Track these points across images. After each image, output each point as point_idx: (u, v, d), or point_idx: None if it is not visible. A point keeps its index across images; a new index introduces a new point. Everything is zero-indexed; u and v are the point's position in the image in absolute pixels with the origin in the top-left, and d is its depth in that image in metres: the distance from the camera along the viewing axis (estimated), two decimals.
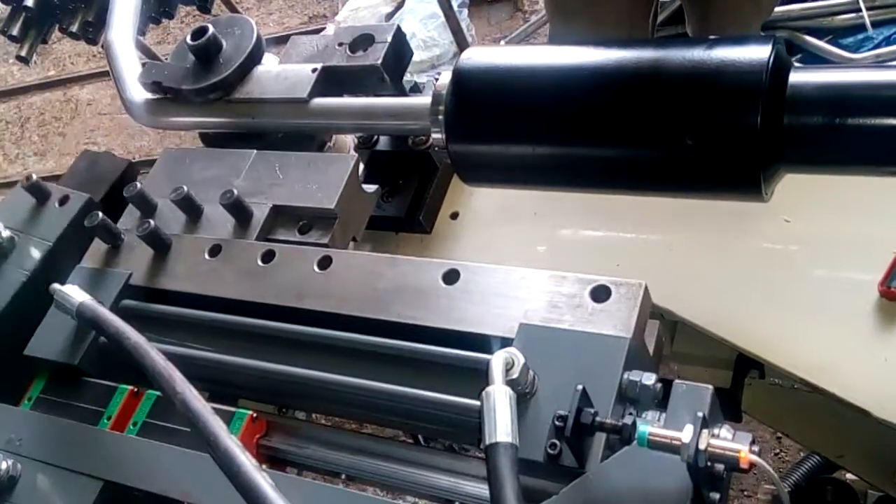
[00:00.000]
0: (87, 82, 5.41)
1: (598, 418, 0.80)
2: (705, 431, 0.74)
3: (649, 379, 0.84)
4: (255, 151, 1.29)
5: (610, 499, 0.79)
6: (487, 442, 0.78)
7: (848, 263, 1.09)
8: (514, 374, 0.83)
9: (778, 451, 2.77)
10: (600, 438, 0.85)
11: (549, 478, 0.85)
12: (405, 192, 1.33)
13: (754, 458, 0.73)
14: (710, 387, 0.81)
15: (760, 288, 1.11)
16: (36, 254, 1.25)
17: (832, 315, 1.06)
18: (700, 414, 0.75)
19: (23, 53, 2.22)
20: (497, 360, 0.83)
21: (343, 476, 0.97)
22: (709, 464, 0.75)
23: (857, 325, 1.04)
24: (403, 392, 0.95)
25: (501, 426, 0.78)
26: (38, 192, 1.32)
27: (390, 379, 0.97)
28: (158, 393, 1.07)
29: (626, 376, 0.85)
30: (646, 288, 0.92)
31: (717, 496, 0.78)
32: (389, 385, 0.97)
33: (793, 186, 1.16)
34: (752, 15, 2.48)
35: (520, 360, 0.84)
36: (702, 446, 0.73)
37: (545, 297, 0.95)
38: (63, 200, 1.32)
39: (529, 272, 0.99)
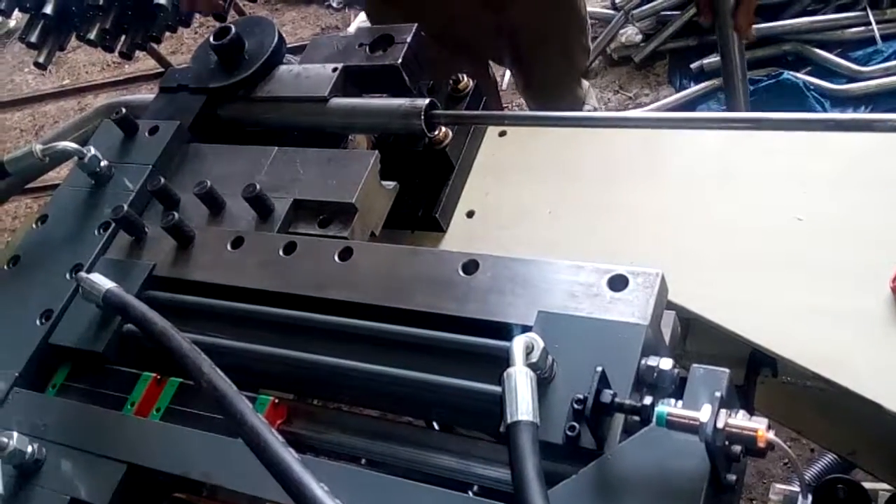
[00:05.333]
0: (102, 91, 5.44)
1: (617, 399, 0.81)
2: (723, 411, 0.75)
3: (667, 364, 0.86)
4: (277, 148, 1.31)
5: (628, 479, 0.80)
6: (509, 420, 0.80)
7: (860, 260, 1.10)
8: (534, 359, 0.85)
9: (787, 460, 2.78)
10: (618, 423, 0.87)
11: (568, 461, 0.86)
12: (421, 191, 1.35)
13: (771, 437, 0.75)
14: (727, 370, 0.82)
15: (773, 284, 1.12)
16: (138, 177, 1.34)
17: (845, 311, 1.07)
18: (718, 394, 0.77)
19: (41, 60, 2.25)
20: (518, 344, 0.85)
21: (363, 461, 0.98)
22: (726, 443, 0.77)
23: (869, 320, 1.05)
24: (424, 378, 0.97)
25: (523, 405, 0.80)
26: (126, 125, 1.41)
27: (410, 366, 0.99)
28: (181, 380, 1.10)
29: (643, 362, 0.87)
30: (662, 277, 0.94)
31: (733, 478, 0.80)
32: (410, 372, 0.98)
33: (804, 184, 1.18)
34: (566, 73, 2.63)
35: (539, 344, 0.86)
36: (719, 425, 0.75)
37: (563, 286, 0.97)
38: (153, 130, 1.40)
39: (547, 262, 1.00)
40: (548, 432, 0.84)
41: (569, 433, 0.84)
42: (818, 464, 2.24)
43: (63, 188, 1.40)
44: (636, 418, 0.84)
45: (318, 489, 0.78)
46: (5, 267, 1.31)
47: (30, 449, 1.04)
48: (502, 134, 1.43)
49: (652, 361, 0.87)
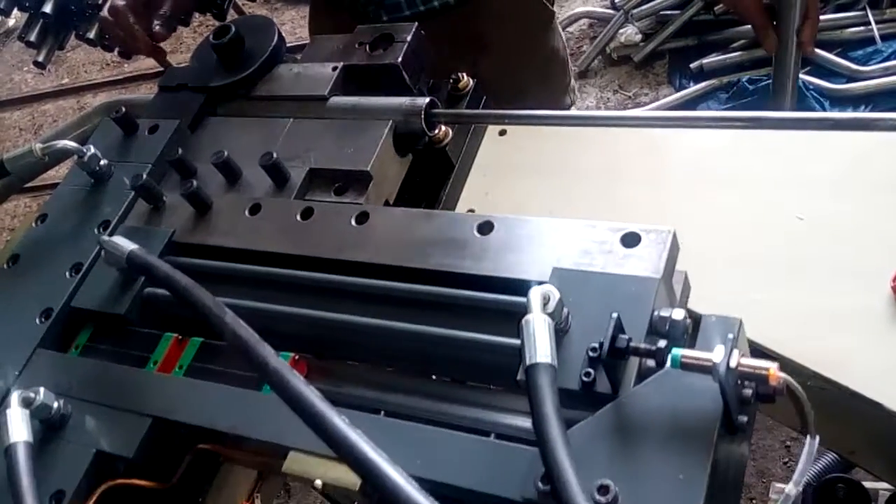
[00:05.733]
0: (101, 90, 5.48)
1: (632, 343, 0.84)
2: (735, 351, 0.78)
3: (679, 314, 0.88)
4: (292, 119, 1.34)
5: (643, 419, 0.83)
6: (528, 363, 0.82)
7: (861, 259, 1.12)
8: (550, 309, 0.88)
9: (787, 459, 2.81)
10: (632, 370, 0.89)
11: (584, 407, 0.88)
12: (421, 190, 1.37)
13: (783, 375, 0.78)
14: (739, 317, 0.85)
15: (773, 283, 1.14)
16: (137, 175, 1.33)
17: (845, 310, 1.09)
18: (731, 336, 0.80)
19: (40, 59, 2.25)
20: (535, 293, 0.88)
21: (382, 413, 1.01)
22: (739, 382, 0.79)
23: (869, 320, 1.07)
24: (441, 333, 1.00)
25: (541, 349, 0.83)
26: (126, 123, 1.43)
27: (428, 323, 1.02)
28: (202, 339, 1.13)
29: (656, 313, 0.90)
30: (674, 234, 0.97)
31: (744, 419, 0.82)
32: (427, 327, 1.01)
33: (805, 184, 1.21)
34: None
35: (556, 295, 0.88)
36: (732, 364, 0.77)
37: (577, 244, 1.00)
38: (153, 129, 1.41)
39: (562, 222, 1.03)
40: (564, 380, 0.87)
41: (584, 378, 0.86)
42: (818, 463, 2.26)
43: (63, 187, 1.40)
44: (650, 364, 0.87)
45: (339, 421, 0.81)
46: (5, 266, 1.32)
47: (56, 405, 1.06)
48: (502, 133, 1.44)
49: (664, 312, 0.89)
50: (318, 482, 0.92)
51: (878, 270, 1.09)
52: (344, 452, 0.81)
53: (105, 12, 1.67)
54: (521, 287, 0.94)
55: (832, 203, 1.19)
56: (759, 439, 2.82)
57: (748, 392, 0.81)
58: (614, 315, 0.85)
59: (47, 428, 1.06)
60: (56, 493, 1.00)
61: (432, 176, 1.36)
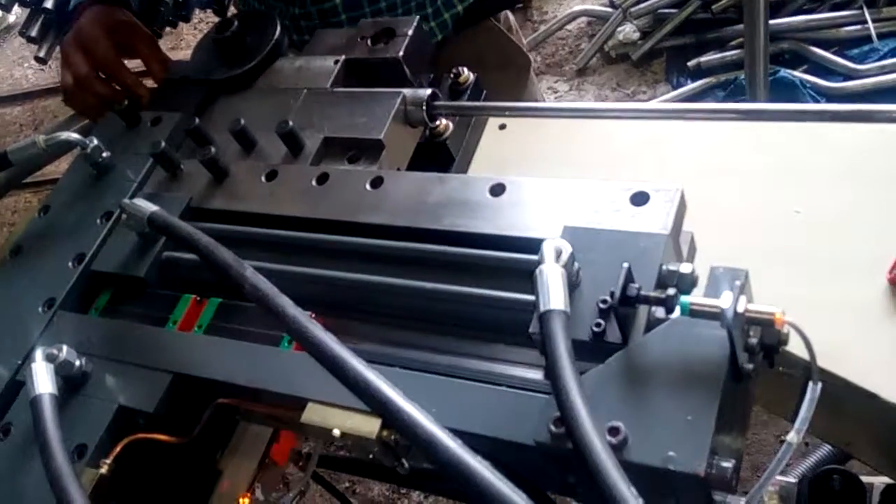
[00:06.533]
0: None
1: (642, 292, 0.87)
2: (742, 297, 0.81)
3: (687, 268, 0.91)
4: (306, 89, 1.37)
5: (652, 366, 0.86)
6: (542, 310, 0.85)
7: (857, 251, 1.14)
8: (563, 262, 0.90)
9: None
10: (641, 321, 0.92)
11: (595, 359, 0.91)
12: None
13: (790, 319, 0.81)
14: (747, 269, 0.88)
15: (770, 275, 1.15)
16: (140, 167, 1.37)
17: (842, 302, 1.10)
18: (738, 282, 0.83)
19: (41, 54, 2.26)
20: (548, 246, 0.91)
21: (397, 368, 1.03)
22: (745, 329, 0.83)
23: (866, 311, 1.09)
24: (455, 290, 1.03)
25: (555, 296, 0.86)
26: (128, 116, 1.44)
27: (442, 282, 1.05)
28: (221, 300, 1.15)
29: (664, 267, 0.92)
30: (682, 193, 1.00)
31: (750, 366, 0.85)
32: (441, 285, 1.04)
33: (802, 176, 1.23)
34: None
35: (567, 248, 0.91)
36: (739, 310, 0.80)
37: (588, 203, 1.03)
38: (155, 121, 1.43)
39: (572, 182, 1.06)
40: (575, 331, 0.89)
41: (595, 329, 0.89)
42: (813, 456, 2.28)
43: (65, 178, 1.42)
44: (659, 316, 0.90)
45: (357, 363, 0.84)
46: (7, 257, 1.34)
47: (77, 362, 1.08)
48: (502, 127, 1.46)
49: (672, 266, 0.92)
50: (337, 431, 0.95)
51: (875, 262, 1.11)
52: (361, 391, 0.84)
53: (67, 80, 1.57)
54: (532, 246, 0.96)
55: (829, 195, 1.21)
56: (753, 434, 2.84)
57: (754, 341, 0.85)
58: (625, 265, 0.88)
59: (70, 385, 1.08)
60: (78, 446, 1.03)
61: (433, 169, 1.35)
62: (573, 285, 0.93)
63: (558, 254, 0.91)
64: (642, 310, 0.92)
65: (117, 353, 1.11)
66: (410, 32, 1.40)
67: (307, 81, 1.41)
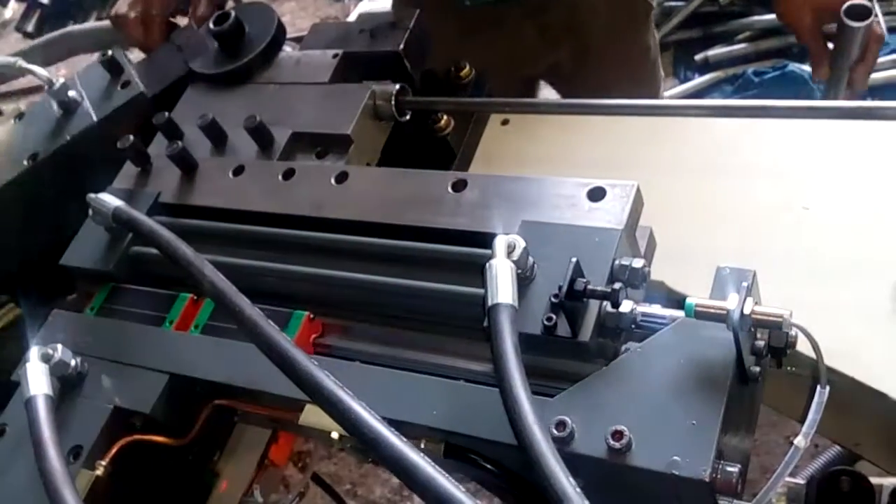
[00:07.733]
0: None
1: (589, 286, 0.87)
2: (749, 299, 0.80)
3: (638, 263, 0.92)
4: (275, 85, 1.37)
5: (656, 369, 0.85)
6: (489, 304, 0.85)
7: (866, 249, 1.13)
8: (515, 257, 0.91)
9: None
10: (591, 317, 0.91)
11: (547, 354, 0.92)
12: None
13: (797, 322, 0.81)
14: (754, 269, 0.88)
15: (778, 273, 1.13)
16: (85, 121, 1.44)
17: (851, 301, 1.09)
18: (745, 284, 0.82)
19: None
20: (500, 241, 0.91)
21: (357, 363, 1.03)
22: (752, 330, 0.82)
23: (876, 310, 1.07)
24: (415, 285, 1.03)
25: (503, 290, 0.86)
26: (112, 68, 1.48)
27: (403, 276, 1.05)
28: None
29: (617, 262, 0.93)
30: (637, 188, 1.00)
31: (757, 369, 0.85)
32: (402, 280, 1.04)
33: (811, 174, 1.22)
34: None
35: (521, 244, 0.92)
36: (746, 311, 0.79)
37: (546, 199, 1.03)
38: (125, 84, 1.45)
39: (532, 178, 1.06)
40: (527, 325, 0.90)
41: (546, 322, 0.89)
42: (822, 457, 2.26)
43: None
44: (610, 311, 0.90)
45: (308, 363, 0.84)
46: None
47: (73, 362, 1.07)
48: (505, 122, 1.44)
49: (625, 261, 0.92)
50: (335, 433, 0.95)
51: (885, 260, 1.10)
52: (310, 389, 0.84)
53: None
54: (492, 240, 0.96)
55: (838, 193, 1.20)
56: (762, 435, 2.82)
57: (761, 343, 0.84)
58: (573, 260, 0.88)
59: (65, 385, 1.07)
60: (74, 447, 1.01)
61: (434, 165, 1.36)
62: (528, 280, 0.93)
63: (511, 249, 0.91)
64: (594, 304, 0.91)
65: (113, 354, 1.10)
66: (411, 25, 1.39)
67: (305, 76, 1.40)
